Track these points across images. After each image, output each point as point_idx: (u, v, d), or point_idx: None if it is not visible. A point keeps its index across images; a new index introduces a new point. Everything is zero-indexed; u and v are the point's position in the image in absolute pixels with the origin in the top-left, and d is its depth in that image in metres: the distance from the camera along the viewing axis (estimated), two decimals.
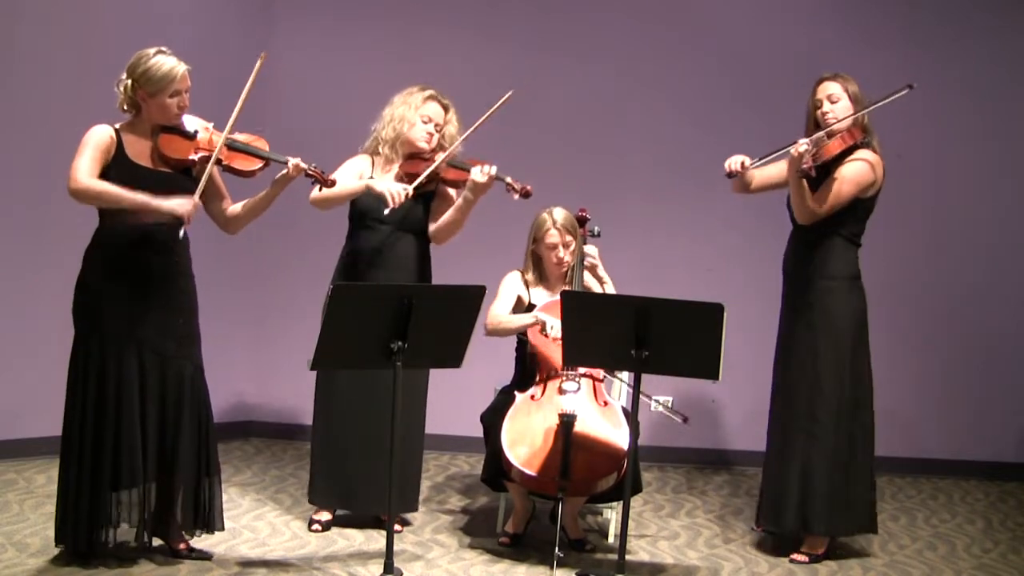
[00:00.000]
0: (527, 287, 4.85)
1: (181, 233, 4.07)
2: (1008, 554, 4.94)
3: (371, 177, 4.72)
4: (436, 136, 4.75)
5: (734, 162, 4.69)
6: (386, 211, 4.55)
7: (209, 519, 4.25)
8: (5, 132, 5.57)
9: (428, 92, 4.77)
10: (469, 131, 4.68)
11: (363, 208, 4.71)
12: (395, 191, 4.53)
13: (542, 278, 4.85)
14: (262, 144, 4.27)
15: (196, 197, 4.08)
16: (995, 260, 6.38)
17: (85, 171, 3.99)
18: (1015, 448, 6.38)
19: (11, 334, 5.60)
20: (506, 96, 4.50)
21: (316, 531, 4.74)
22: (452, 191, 4.78)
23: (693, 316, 4.09)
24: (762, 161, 4.72)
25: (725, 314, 4.02)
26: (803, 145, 4.46)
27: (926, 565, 4.71)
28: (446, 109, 4.79)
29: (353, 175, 4.71)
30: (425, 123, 4.73)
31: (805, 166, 4.46)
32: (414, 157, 4.74)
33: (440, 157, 4.66)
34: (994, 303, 6.38)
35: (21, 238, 5.64)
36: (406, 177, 4.71)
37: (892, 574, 4.58)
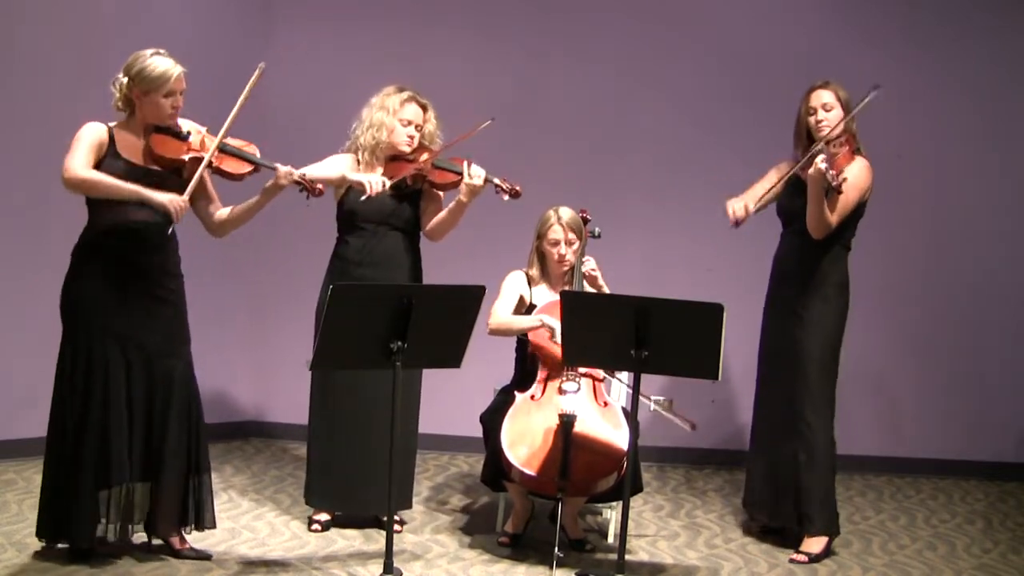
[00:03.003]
0: (530, 285, 4.84)
1: (170, 230, 4.09)
2: (1008, 554, 4.94)
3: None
4: (417, 137, 4.76)
5: (737, 208, 4.69)
6: (362, 198, 4.56)
7: (199, 516, 4.25)
8: (5, 132, 5.57)
9: (406, 94, 4.75)
10: (443, 146, 4.69)
11: (350, 209, 4.71)
12: (374, 180, 4.55)
13: (545, 276, 4.85)
14: (253, 151, 4.28)
15: (186, 196, 4.08)
16: (995, 260, 6.37)
17: (80, 163, 4.02)
18: (1015, 448, 6.37)
19: (11, 334, 5.61)
20: (486, 123, 4.55)
21: (316, 531, 4.74)
22: (440, 192, 4.79)
23: (693, 316, 4.09)
24: (762, 202, 4.74)
25: (725, 314, 4.02)
26: (822, 162, 4.40)
27: (926, 565, 4.71)
28: (424, 108, 4.78)
29: (336, 168, 4.69)
30: (405, 126, 4.73)
31: (835, 184, 4.40)
32: (397, 159, 4.75)
33: (423, 158, 4.67)
34: (994, 303, 6.38)
35: (21, 238, 5.64)
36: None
37: (892, 574, 4.58)
